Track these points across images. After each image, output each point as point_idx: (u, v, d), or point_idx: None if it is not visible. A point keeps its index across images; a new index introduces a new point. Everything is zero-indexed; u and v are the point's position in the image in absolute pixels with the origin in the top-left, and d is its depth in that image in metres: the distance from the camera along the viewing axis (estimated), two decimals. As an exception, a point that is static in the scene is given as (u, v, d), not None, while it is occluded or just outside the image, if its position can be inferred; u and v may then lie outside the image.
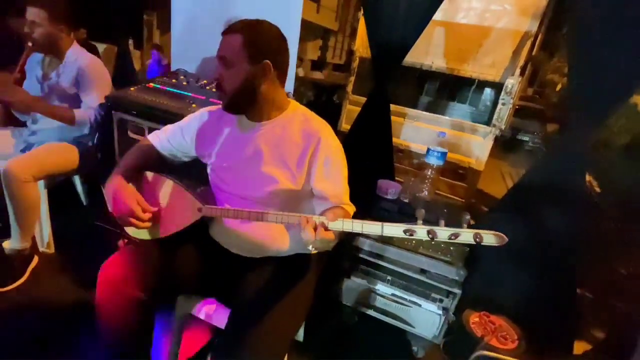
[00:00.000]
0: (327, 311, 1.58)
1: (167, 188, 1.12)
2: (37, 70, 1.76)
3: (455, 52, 3.11)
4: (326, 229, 0.82)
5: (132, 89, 1.77)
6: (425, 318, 1.47)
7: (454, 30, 3.04)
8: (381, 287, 1.52)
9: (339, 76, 5.41)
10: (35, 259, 1.71)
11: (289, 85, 1.93)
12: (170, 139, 1.19)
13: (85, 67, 1.70)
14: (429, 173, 1.57)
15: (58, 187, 1.94)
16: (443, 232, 0.74)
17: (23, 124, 1.83)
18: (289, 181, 1.03)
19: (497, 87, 3.06)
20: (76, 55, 1.72)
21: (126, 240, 1.60)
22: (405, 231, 0.78)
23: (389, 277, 1.51)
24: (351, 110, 3.43)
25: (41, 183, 1.67)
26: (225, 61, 0.99)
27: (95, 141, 1.85)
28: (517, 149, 4.50)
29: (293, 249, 1.15)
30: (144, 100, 1.69)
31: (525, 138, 4.87)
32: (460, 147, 3.09)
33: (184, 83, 1.88)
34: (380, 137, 1.79)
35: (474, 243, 0.72)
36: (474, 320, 1.46)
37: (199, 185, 1.23)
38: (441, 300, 1.45)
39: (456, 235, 0.73)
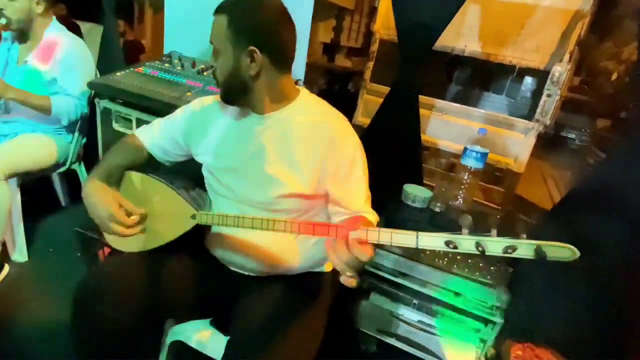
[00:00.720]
0: (342, 339, 1.51)
1: (154, 191, 1.07)
2: (11, 52, 1.73)
3: (493, 35, 3.00)
4: (362, 242, 0.73)
5: (118, 74, 1.73)
6: (459, 350, 1.39)
7: (491, 8, 2.93)
8: (405, 312, 1.45)
9: (354, 61, 5.31)
10: (6, 269, 1.68)
11: (300, 71, 1.86)
12: (161, 135, 1.14)
13: (65, 48, 1.67)
14: (465, 177, 1.49)
15: (33, 185, 1.92)
16: (496, 244, 0.66)
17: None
18: (299, 184, 0.97)
19: (541, 75, 2.94)
20: (55, 34, 1.69)
21: (108, 251, 1.55)
22: (446, 243, 0.70)
23: (415, 301, 1.44)
24: (369, 100, 3.35)
25: (13, 181, 1.64)
26: (214, 47, 0.95)
27: (76, 133, 1.82)
28: (561, 148, 4.35)
29: (304, 266, 1.09)
30: (131, 87, 1.65)
31: (571, 135, 4.72)
32: (496, 145, 2.98)
33: (179, 68, 1.83)
34: (407, 134, 1.72)
35: (536, 258, 0.64)
36: (517, 353, 1.37)
37: (193, 187, 1.18)
38: (478, 330, 1.37)
39: (513, 249, 0.65)
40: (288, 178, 0.97)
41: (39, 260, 1.81)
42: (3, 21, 1.60)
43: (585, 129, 4.71)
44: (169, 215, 1.03)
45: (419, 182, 1.62)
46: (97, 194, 1.00)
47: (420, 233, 0.71)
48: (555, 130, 4.37)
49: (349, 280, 0.73)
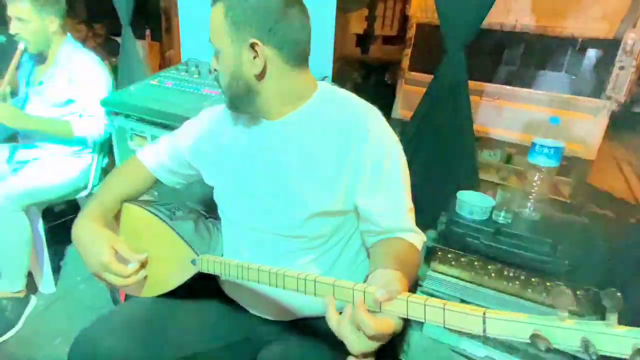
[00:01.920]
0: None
1: (152, 229, 0.91)
2: (28, 75, 1.67)
3: (549, 5, 2.67)
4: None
5: (132, 88, 1.63)
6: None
7: (547, -25, 2.60)
8: (469, 346, 1.21)
9: (389, 50, 5.02)
10: (33, 301, 1.62)
11: (327, 67, 1.66)
12: (166, 154, 0.98)
13: (79, 67, 1.60)
14: (535, 178, 1.20)
15: (60, 209, 1.87)
16: (621, 342, 0.40)
17: (15, 139, 1.76)
18: (326, 200, 0.78)
19: (609, 46, 2.56)
20: (68, 53, 1.63)
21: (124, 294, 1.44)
22: (533, 337, 0.44)
23: (480, 332, 1.19)
24: (409, 91, 3.11)
25: (34, 210, 1.57)
26: (214, 47, 0.79)
27: (96, 155, 1.73)
28: (637, 128, 3.81)
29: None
30: (145, 101, 1.54)
31: (648, 111, 4.17)
32: (560, 130, 2.62)
33: (195, 76, 1.70)
34: (457, 127, 1.47)
35: None
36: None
37: (203, 217, 1.01)
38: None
39: None
40: (313, 194, 0.78)
41: (67, 290, 1.75)
42: (23, 46, 1.55)
43: (664, 103, 4.13)
44: (168, 260, 0.87)
45: (474, 186, 1.36)
46: (87, 238, 0.87)
47: (488, 313, 0.46)
48: (631, 107, 3.85)
49: None
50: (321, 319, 0.89)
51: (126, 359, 0.79)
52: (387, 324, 0.54)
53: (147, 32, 3.70)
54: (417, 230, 0.82)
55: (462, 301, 1.20)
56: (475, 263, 1.18)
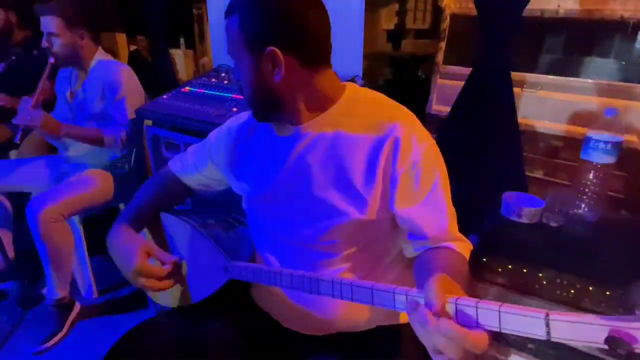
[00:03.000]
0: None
1: (187, 236, 0.90)
2: (65, 87, 1.73)
3: (595, -14, 2.45)
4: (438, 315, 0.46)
5: (164, 96, 1.65)
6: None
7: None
8: None
9: (423, 44, 4.90)
10: (76, 308, 1.68)
11: (357, 66, 1.61)
12: (195, 163, 0.98)
13: (111, 77, 1.64)
14: (590, 176, 1.09)
15: (101, 218, 1.92)
16: None
17: (57, 152, 1.84)
18: (357, 208, 0.74)
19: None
20: (101, 64, 1.67)
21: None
22: (608, 340, 0.38)
23: (530, 345, 1.09)
24: (445, 85, 2.99)
25: (75, 219, 1.63)
26: (233, 59, 0.76)
27: (131, 164, 1.77)
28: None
29: (374, 319, 0.86)
30: (177, 110, 1.55)
31: None
32: (612, 120, 2.43)
33: (225, 81, 1.70)
34: (501, 122, 1.38)
35: None
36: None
37: (237, 225, 1.00)
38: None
39: None
40: (342, 202, 0.74)
41: (108, 295, 1.81)
42: (52, 60, 1.60)
43: None
44: (202, 267, 0.87)
45: (522, 187, 1.26)
46: (120, 244, 0.87)
47: (551, 315, 0.40)
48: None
49: None
50: (357, 334, 0.85)
51: None
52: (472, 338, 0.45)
53: (181, 40, 3.78)
54: (463, 238, 0.76)
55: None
56: (525, 271, 1.08)
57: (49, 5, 1.52)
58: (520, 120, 2.68)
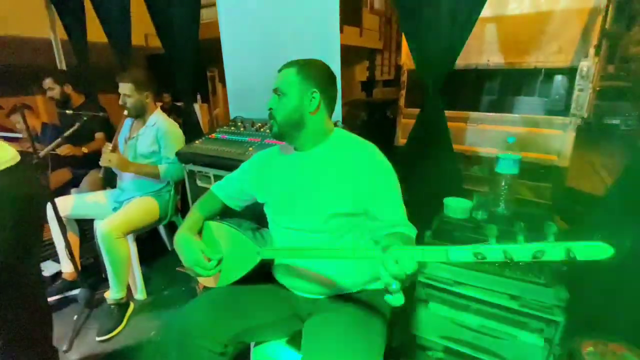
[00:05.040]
0: (407, 349, 1.42)
1: (226, 235, 1.13)
2: (124, 133, 1.97)
3: (513, 46, 2.82)
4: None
5: (197, 142, 1.87)
6: (525, 352, 1.23)
7: (507, 24, 2.77)
8: (466, 318, 1.32)
9: (389, 91, 5.27)
10: (131, 306, 1.84)
11: (338, 114, 1.87)
12: (231, 187, 1.22)
13: (163, 129, 1.88)
14: (502, 184, 1.37)
15: (147, 236, 2.11)
16: (524, 251, 0.59)
17: (114, 185, 2.04)
18: (342, 204, 1.00)
19: (570, 72, 2.68)
20: (156, 119, 1.91)
21: (202, 286, 1.65)
22: (475, 254, 0.64)
23: (474, 306, 1.31)
24: (406, 124, 3.29)
25: (130, 236, 1.82)
26: (279, 91, 1.03)
27: (172, 192, 1.99)
28: (608, 136, 3.84)
29: (359, 282, 1.08)
30: (208, 151, 1.77)
31: (616, 121, 4.17)
32: (538, 145, 2.72)
33: (242, 129, 1.94)
34: (440, 147, 1.64)
35: (567, 260, 0.56)
36: (589, 350, 1.19)
37: (257, 227, 1.22)
38: (542, 330, 1.21)
39: (542, 253, 0.58)
40: (332, 201, 1.00)
41: (155, 296, 1.97)
42: (126, 112, 1.86)
43: (629, 113, 4.13)
44: (239, 254, 1.08)
45: (461, 192, 1.52)
46: (184, 245, 1.09)
47: (449, 248, 0.66)
48: (597, 120, 3.88)
49: (394, 295, 0.72)
50: (350, 296, 1.06)
51: (207, 326, 0.96)
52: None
53: (198, 96, 4.09)
54: (411, 226, 0.99)
55: (458, 283, 1.33)
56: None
57: (124, 75, 1.80)
58: (467, 147, 3.00)
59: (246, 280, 1.08)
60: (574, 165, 2.75)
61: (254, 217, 1.26)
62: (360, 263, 1.05)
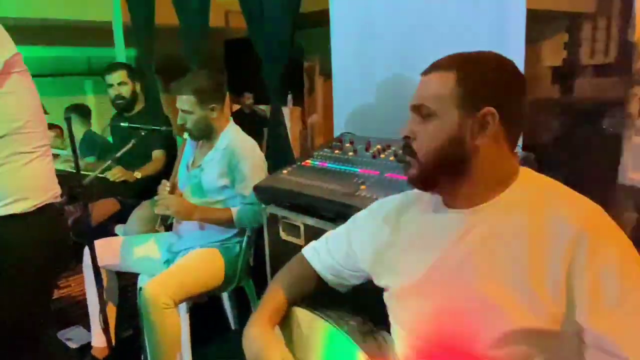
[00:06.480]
0: None
1: (323, 334, 1.11)
2: (186, 157, 2.19)
3: None
4: None
5: (284, 171, 1.93)
6: None
7: None
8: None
9: (606, 85, 4.77)
10: None
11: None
12: (332, 252, 1.21)
13: (239, 155, 2.01)
14: None
15: (203, 306, 2.24)
16: None
17: (169, 227, 2.25)
18: (531, 313, 0.83)
19: None
20: (229, 140, 2.06)
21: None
22: None
23: None
24: (645, 146, 2.91)
25: (183, 306, 1.95)
26: (422, 111, 0.96)
27: (244, 244, 2.07)
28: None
29: None
30: (297, 186, 1.80)
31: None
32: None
33: (350, 153, 1.93)
34: None
35: None
36: None
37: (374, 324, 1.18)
38: None
39: None
40: (512, 304, 0.85)
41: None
42: (186, 135, 2.06)
43: None
44: None
45: None
46: (262, 348, 1.07)
47: None
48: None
49: None
50: None
51: None
52: None
53: (289, 97, 4.33)
54: None
55: None
56: None
57: (182, 84, 1.98)
58: None
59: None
60: None
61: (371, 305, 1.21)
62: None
